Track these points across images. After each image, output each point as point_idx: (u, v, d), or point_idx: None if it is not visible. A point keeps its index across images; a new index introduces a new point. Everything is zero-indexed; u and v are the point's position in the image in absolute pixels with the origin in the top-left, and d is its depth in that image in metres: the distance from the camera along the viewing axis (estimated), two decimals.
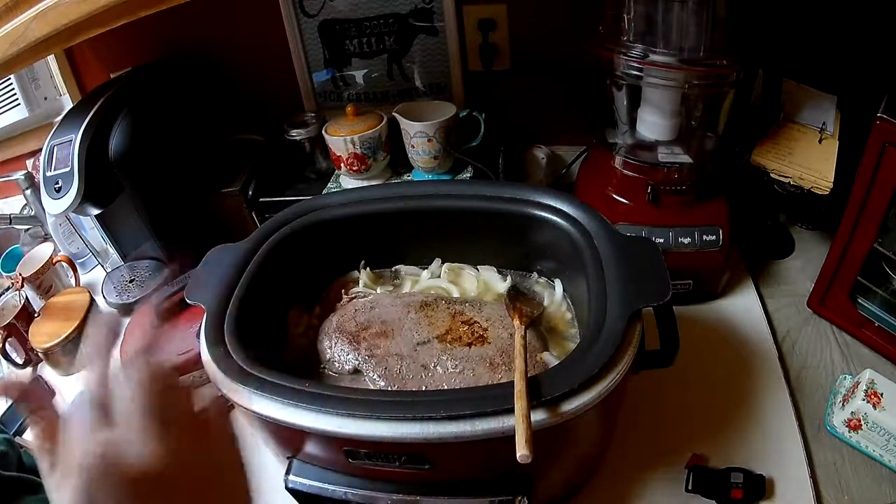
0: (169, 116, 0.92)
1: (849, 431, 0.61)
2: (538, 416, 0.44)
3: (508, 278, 0.70)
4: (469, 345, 0.59)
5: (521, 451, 0.40)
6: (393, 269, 0.74)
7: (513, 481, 0.51)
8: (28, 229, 1.13)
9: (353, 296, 0.69)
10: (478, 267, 0.72)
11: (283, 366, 0.62)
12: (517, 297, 0.63)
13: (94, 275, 1.06)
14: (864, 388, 0.60)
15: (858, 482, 0.59)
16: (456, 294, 0.69)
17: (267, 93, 1.06)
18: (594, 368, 0.45)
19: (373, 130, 0.89)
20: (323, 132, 0.91)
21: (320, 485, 0.53)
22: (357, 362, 0.60)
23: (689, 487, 0.58)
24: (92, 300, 0.90)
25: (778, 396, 0.66)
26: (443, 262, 0.72)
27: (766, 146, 0.75)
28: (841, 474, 0.60)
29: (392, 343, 0.60)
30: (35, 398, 0.35)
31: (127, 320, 0.91)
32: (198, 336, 0.55)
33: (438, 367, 0.58)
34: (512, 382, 0.44)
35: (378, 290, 0.71)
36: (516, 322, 0.58)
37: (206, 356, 0.52)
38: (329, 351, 0.62)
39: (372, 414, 0.45)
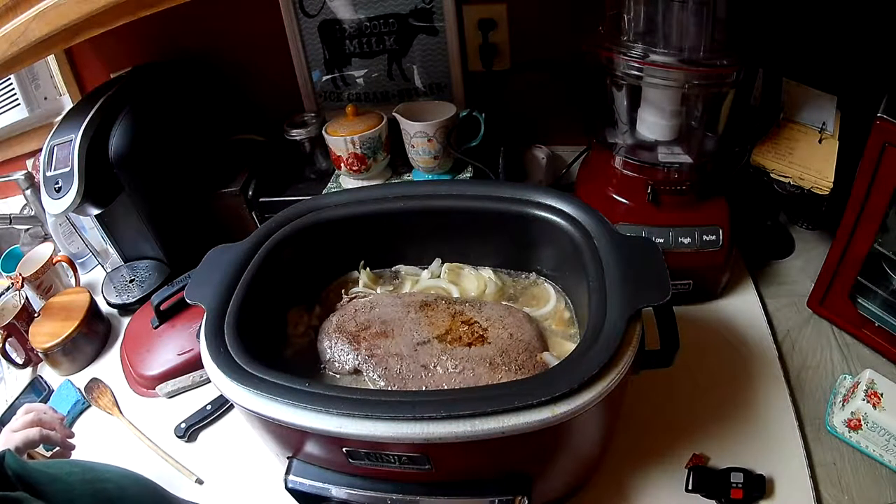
0: (169, 116, 0.92)
1: (849, 431, 0.61)
2: (538, 415, 0.44)
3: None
4: (469, 345, 0.59)
5: None
6: (393, 269, 0.74)
7: (513, 481, 0.51)
8: (28, 229, 1.13)
9: (353, 296, 0.69)
10: (477, 267, 0.72)
11: (283, 366, 0.62)
12: None
13: (94, 275, 1.06)
14: (864, 388, 0.60)
15: (858, 482, 0.59)
16: (456, 294, 0.69)
17: (267, 93, 1.06)
18: (594, 368, 0.45)
19: (373, 130, 0.89)
20: (323, 132, 0.91)
21: (320, 485, 0.53)
22: (357, 362, 0.60)
23: (689, 487, 0.58)
24: (92, 300, 0.90)
25: (778, 396, 0.66)
26: (443, 262, 0.72)
27: (766, 146, 0.75)
28: (841, 474, 0.60)
29: (392, 343, 0.60)
30: None
31: (127, 320, 0.91)
32: (198, 336, 0.55)
33: (438, 367, 0.58)
34: (512, 382, 0.44)
35: (378, 290, 0.71)
36: None
37: (206, 356, 0.52)
38: (329, 351, 0.62)
39: (372, 414, 0.45)
